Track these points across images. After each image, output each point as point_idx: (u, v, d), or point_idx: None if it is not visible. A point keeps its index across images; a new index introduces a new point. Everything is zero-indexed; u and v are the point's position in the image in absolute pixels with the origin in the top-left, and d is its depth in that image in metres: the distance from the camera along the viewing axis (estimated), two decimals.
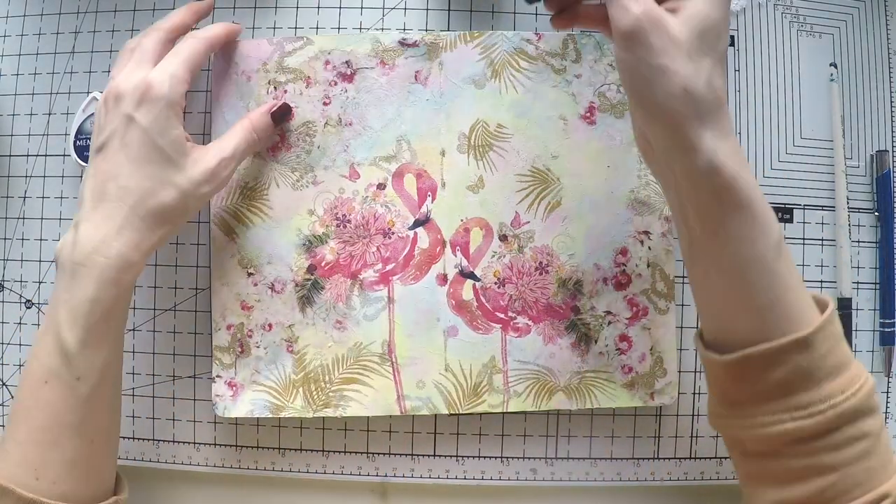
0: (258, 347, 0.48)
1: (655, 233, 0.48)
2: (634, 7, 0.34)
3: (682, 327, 0.50)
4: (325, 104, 0.49)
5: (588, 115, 0.49)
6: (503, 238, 0.48)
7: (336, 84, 0.49)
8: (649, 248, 0.48)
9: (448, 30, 0.50)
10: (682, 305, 0.50)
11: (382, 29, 0.51)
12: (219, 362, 0.48)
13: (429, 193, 0.48)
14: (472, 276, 0.48)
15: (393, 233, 0.48)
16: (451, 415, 0.49)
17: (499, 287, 0.48)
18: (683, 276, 0.50)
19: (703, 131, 0.34)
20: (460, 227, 0.48)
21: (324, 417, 0.50)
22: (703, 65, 0.34)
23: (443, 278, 0.48)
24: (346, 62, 0.49)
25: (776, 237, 0.36)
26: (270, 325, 0.48)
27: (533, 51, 0.49)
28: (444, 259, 0.48)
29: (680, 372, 0.50)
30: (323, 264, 0.48)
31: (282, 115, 0.47)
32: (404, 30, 0.51)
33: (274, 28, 0.51)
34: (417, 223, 0.48)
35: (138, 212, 0.40)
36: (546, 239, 0.48)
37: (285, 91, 0.48)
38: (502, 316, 0.48)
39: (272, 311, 0.48)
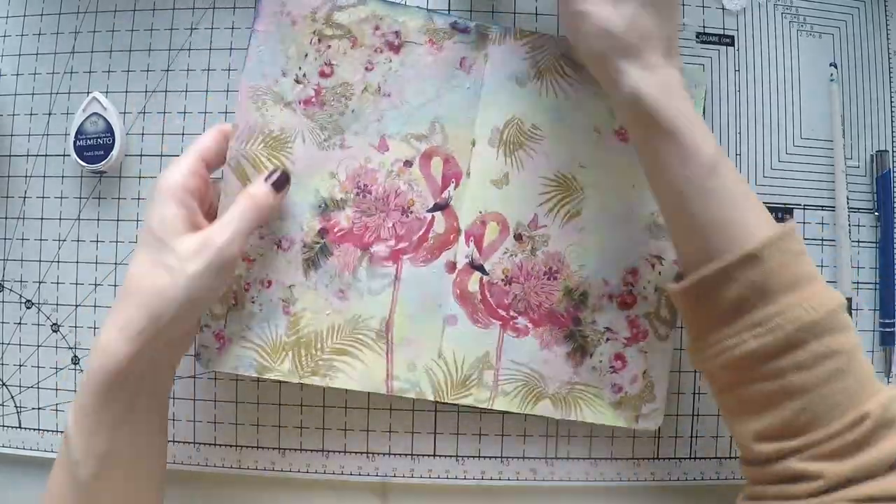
0: (253, 303, 0.47)
1: (668, 259, 0.48)
2: None
3: (680, 349, 0.50)
4: (366, 69, 0.48)
5: (622, 131, 0.48)
6: (518, 237, 0.48)
7: (381, 52, 0.48)
8: (660, 272, 0.48)
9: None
10: (681, 327, 0.50)
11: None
12: (209, 312, 0.47)
13: (453, 180, 0.48)
14: (481, 268, 0.48)
15: (411, 212, 0.48)
16: (436, 402, 0.48)
17: (505, 285, 0.48)
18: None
19: (626, 65, 0.39)
20: (477, 219, 0.48)
21: (324, 417, 0.50)
22: (626, 8, 0.39)
23: (452, 266, 0.48)
24: (396, 32, 0.48)
25: (707, 159, 0.37)
26: (270, 282, 0.47)
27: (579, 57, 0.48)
28: (456, 247, 0.48)
29: (675, 394, 0.50)
30: (336, 230, 0.48)
31: (281, 182, 0.45)
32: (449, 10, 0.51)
33: None
34: (437, 207, 0.48)
35: (131, 300, 0.39)
36: (560, 246, 0.48)
37: (329, 46, 0.47)
38: (504, 314, 0.48)
39: (274, 268, 0.47)
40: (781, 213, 0.51)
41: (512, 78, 0.48)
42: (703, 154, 0.37)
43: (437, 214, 0.48)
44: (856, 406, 0.33)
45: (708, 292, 0.37)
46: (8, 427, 0.52)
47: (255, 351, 0.47)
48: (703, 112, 0.50)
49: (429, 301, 0.48)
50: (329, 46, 0.47)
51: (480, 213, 0.48)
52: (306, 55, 0.47)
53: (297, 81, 0.47)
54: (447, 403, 0.49)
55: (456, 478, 0.50)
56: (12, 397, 0.52)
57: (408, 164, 0.48)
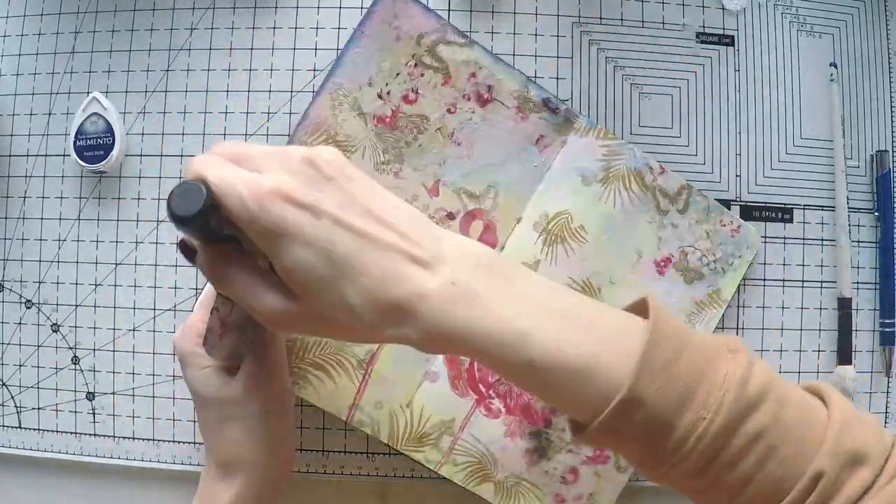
0: None
1: None
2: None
3: None
4: (448, 111, 0.47)
5: (662, 263, 0.48)
6: None
7: (469, 99, 0.47)
8: None
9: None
10: None
11: (534, 77, 0.50)
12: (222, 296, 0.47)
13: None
14: None
15: None
16: (387, 446, 0.48)
17: None
18: None
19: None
20: None
21: (324, 417, 0.50)
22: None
23: None
24: (489, 86, 0.47)
25: (514, 356, 0.31)
26: None
27: (650, 180, 0.48)
28: None
29: None
30: None
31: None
32: (535, 77, 0.50)
33: (274, 28, 0.51)
34: None
35: (238, 473, 0.41)
36: None
37: (422, 74, 0.47)
38: (483, 390, 0.48)
39: None
40: (781, 212, 0.51)
41: (580, 173, 0.48)
42: (519, 360, 0.31)
43: None
44: (805, 468, 0.30)
45: (606, 442, 0.33)
46: (8, 427, 0.52)
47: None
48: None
49: (419, 352, 0.47)
50: (422, 75, 0.47)
51: None
52: (397, 74, 0.47)
53: (380, 96, 0.47)
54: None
55: None
56: (12, 397, 0.52)
57: (451, 216, 0.48)
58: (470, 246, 0.33)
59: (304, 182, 0.31)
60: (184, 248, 0.35)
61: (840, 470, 0.30)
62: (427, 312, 0.30)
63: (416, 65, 0.47)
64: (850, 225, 0.51)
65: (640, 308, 0.34)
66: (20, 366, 0.52)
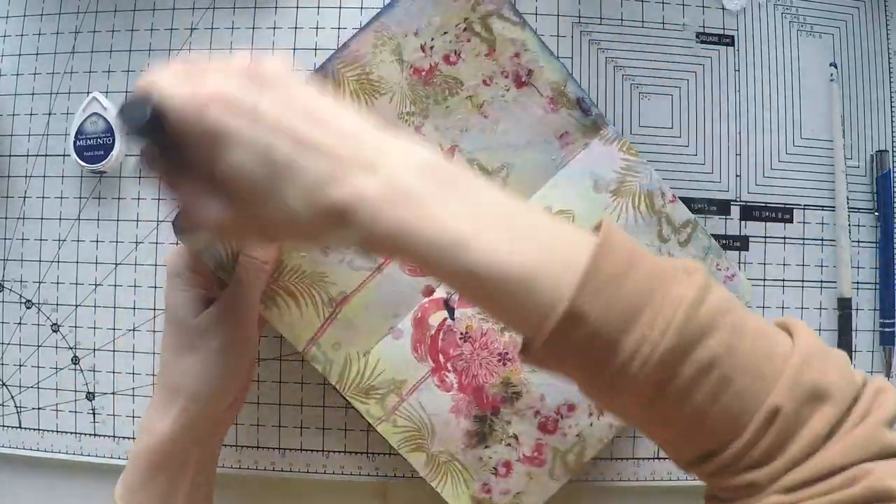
0: None
1: (604, 421, 0.48)
2: None
3: None
4: (484, 82, 0.47)
5: None
6: None
7: (507, 77, 0.47)
8: (591, 423, 0.48)
9: None
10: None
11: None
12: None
13: None
14: (451, 311, 0.48)
15: None
16: (334, 387, 0.48)
17: (461, 339, 0.48)
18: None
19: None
20: None
21: (324, 417, 0.50)
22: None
23: (430, 290, 0.48)
24: (530, 71, 0.47)
25: (447, 253, 0.29)
26: None
27: (659, 205, 0.48)
28: None
29: None
30: None
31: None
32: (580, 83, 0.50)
33: (274, 28, 0.51)
34: None
35: (167, 385, 0.41)
36: None
37: (468, 40, 0.47)
38: (442, 360, 0.48)
39: None
40: (781, 212, 0.51)
41: (593, 178, 0.48)
42: (459, 265, 0.29)
43: None
44: (760, 404, 0.28)
45: (551, 361, 0.31)
46: (8, 427, 0.52)
47: (225, 248, 0.45)
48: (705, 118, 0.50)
49: (390, 305, 0.47)
50: (469, 40, 0.47)
51: None
52: (445, 33, 0.47)
53: (422, 49, 0.47)
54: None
55: None
56: (12, 397, 0.52)
57: None
58: (413, 149, 0.31)
59: (244, 88, 0.31)
60: (145, 159, 0.35)
61: (799, 406, 0.28)
62: (365, 214, 0.29)
63: (465, 28, 0.47)
64: (850, 225, 0.51)
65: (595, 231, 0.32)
66: (20, 366, 0.52)
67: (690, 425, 0.29)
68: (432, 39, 0.47)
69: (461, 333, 0.48)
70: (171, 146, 0.32)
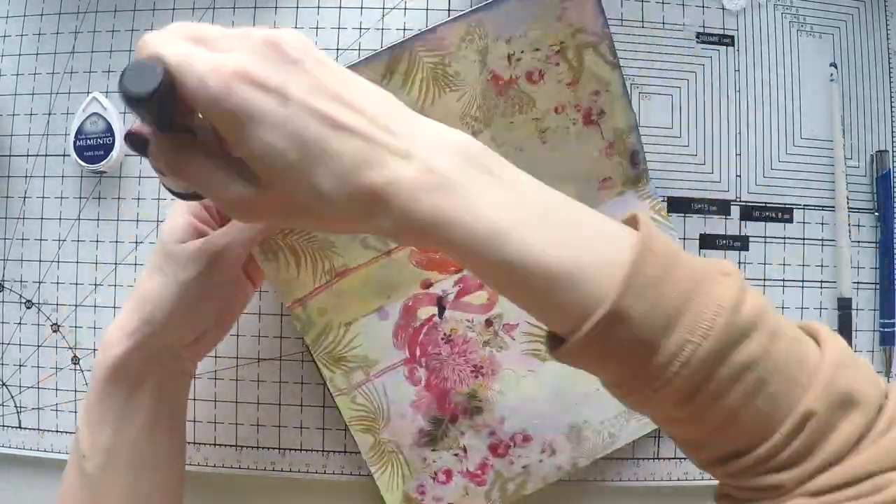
0: None
1: (559, 455, 0.48)
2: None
3: None
4: (556, 110, 0.47)
5: None
6: (488, 323, 0.48)
7: (578, 111, 0.47)
8: (541, 461, 0.48)
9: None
10: None
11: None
12: None
13: None
14: (440, 310, 0.48)
15: None
16: (305, 350, 0.48)
17: (442, 340, 0.48)
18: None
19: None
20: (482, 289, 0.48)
21: (324, 417, 0.50)
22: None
23: (427, 284, 0.48)
24: (602, 112, 0.47)
25: (483, 247, 0.29)
26: None
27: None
28: (446, 277, 0.48)
29: None
30: None
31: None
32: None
33: (274, 28, 0.51)
34: None
35: (131, 302, 0.41)
36: (507, 363, 0.48)
37: (557, 64, 0.46)
38: (418, 354, 0.48)
39: None
40: (782, 212, 0.51)
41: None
42: (498, 257, 0.29)
43: None
44: (792, 407, 0.29)
45: (586, 358, 0.31)
46: (8, 427, 0.52)
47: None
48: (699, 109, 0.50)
49: (387, 287, 0.47)
50: (557, 64, 0.45)
51: (489, 294, 0.48)
52: (537, 49, 0.45)
53: (508, 58, 0.45)
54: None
55: None
56: (12, 397, 0.52)
57: None
58: (449, 133, 0.30)
59: (268, 64, 0.29)
60: (133, 139, 0.32)
61: (831, 411, 0.28)
62: (400, 201, 0.28)
63: (557, 51, 0.45)
64: (850, 225, 0.51)
65: (629, 224, 0.32)
66: (20, 366, 0.52)
67: (721, 425, 0.29)
68: (522, 52, 0.45)
69: (444, 334, 0.48)
70: (177, 120, 0.30)
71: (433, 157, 0.29)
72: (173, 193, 0.36)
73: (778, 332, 0.29)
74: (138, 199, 0.51)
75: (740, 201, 0.51)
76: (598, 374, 0.32)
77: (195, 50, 0.29)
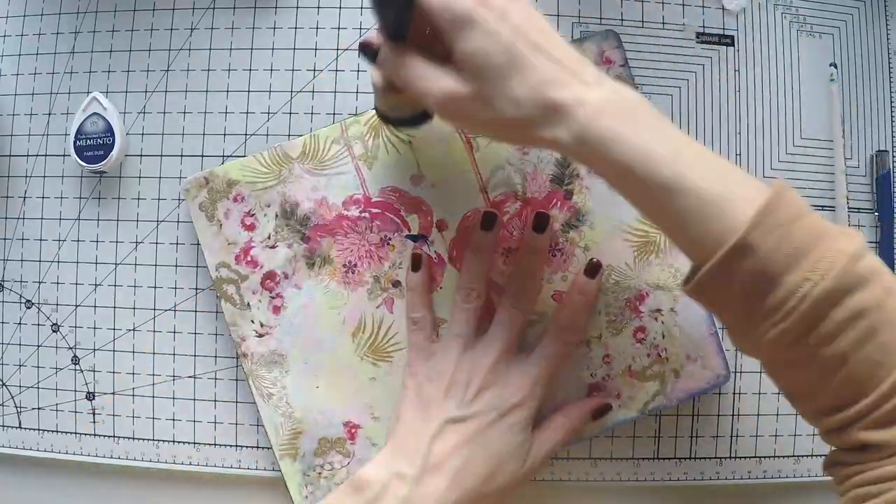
0: None
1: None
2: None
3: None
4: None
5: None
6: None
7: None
8: None
9: None
10: None
11: None
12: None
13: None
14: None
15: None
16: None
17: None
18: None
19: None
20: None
21: None
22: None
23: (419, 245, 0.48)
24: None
25: (664, 179, 0.33)
26: None
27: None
28: (433, 234, 0.48)
29: None
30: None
31: (601, 411, 0.47)
32: None
33: (274, 28, 0.51)
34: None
35: (478, 450, 0.43)
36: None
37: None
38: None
39: None
40: None
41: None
42: (659, 177, 0.34)
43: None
44: None
45: (715, 293, 0.34)
46: (8, 427, 0.52)
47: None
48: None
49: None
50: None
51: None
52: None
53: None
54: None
55: None
56: (12, 397, 0.52)
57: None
58: (626, 88, 0.36)
59: None
60: (365, 48, 0.39)
61: None
62: (583, 117, 0.34)
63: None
64: (850, 225, 0.51)
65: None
66: (20, 366, 0.52)
67: (830, 370, 0.32)
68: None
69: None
70: (405, 30, 0.36)
71: (613, 94, 0.35)
72: (385, 120, 0.45)
73: (893, 290, 0.32)
74: (138, 199, 0.51)
75: None
76: (720, 312, 0.36)
77: None
